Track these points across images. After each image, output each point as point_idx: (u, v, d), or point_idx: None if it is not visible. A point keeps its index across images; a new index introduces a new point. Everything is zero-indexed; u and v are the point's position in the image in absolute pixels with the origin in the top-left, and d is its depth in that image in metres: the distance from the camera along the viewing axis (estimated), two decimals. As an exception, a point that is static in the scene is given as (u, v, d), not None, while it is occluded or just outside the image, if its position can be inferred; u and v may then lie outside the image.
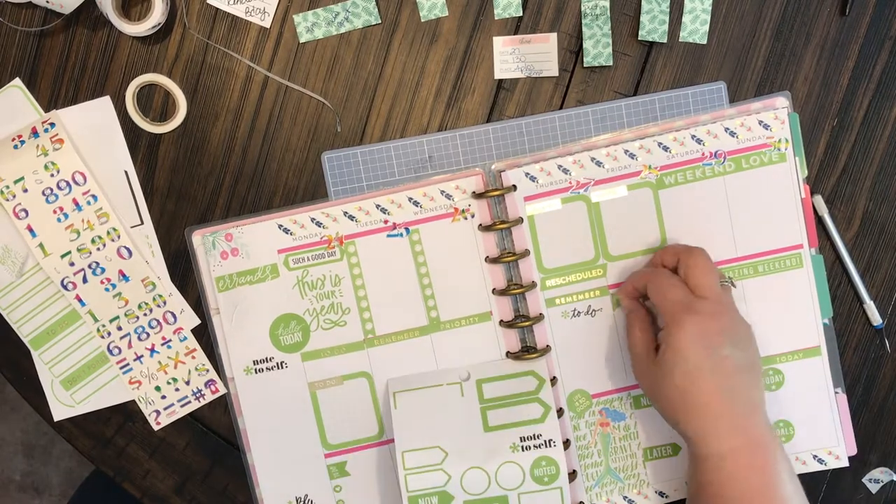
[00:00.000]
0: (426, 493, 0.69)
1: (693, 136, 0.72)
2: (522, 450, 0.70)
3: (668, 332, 0.65)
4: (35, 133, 0.73)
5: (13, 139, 0.73)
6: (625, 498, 0.76)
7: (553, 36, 0.74)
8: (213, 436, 0.77)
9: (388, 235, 0.73)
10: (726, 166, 0.73)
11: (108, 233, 0.74)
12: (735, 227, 0.73)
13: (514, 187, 0.72)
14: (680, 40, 0.74)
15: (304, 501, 0.76)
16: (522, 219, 0.73)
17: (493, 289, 0.73)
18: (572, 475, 0.74)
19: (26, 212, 0.73)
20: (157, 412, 0.76)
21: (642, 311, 0.70)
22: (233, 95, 0.75)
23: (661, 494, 0.76)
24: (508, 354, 0.74)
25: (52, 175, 0.73)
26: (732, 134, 0.72)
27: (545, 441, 0.70)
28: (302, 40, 0.74)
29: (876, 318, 0.76)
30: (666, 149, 0.72)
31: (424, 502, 0.69)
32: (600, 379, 0.75)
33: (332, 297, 0.74)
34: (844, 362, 0.76)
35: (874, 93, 0.74)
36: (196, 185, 0.75)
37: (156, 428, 0.77)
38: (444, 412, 0.72)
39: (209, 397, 0.76)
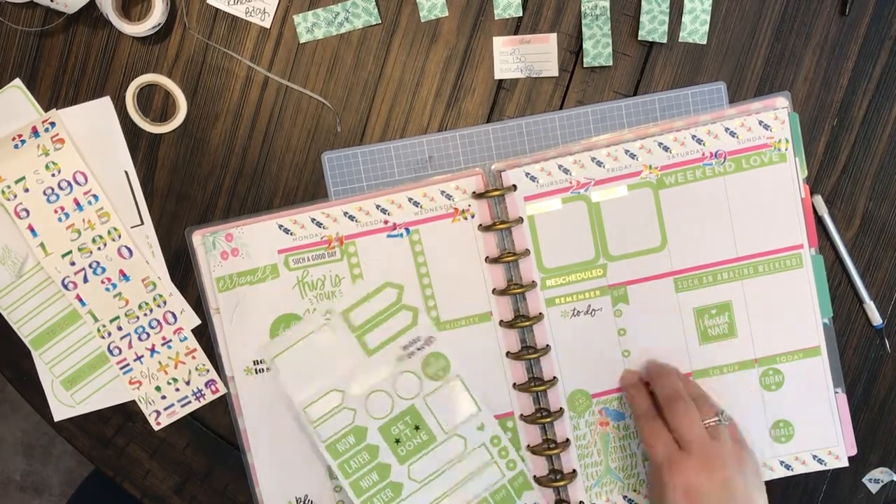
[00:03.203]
0: (341, 436, 0.72)
1: (693, 137, 0.72)
2: (409, 356, 0.72)
3: (652, 483, 0.68)
4: (35, 132, 0.73)
5: (13, 138, 0.73)
6: (624, 497, 0.76)
7: (553, 36, 0.74)
8: (213, 436, 0.77)
9: (389, 235, 0.73)
10: (727, 166, 0.73)
11: (109, 232, 0.74)
12: (735, 228, 0.73)
13: (514, 187, 0.72)
14: (680, 40, 0.74)
15: (304, 502, 0.76)
16: (522, 219, 0.73)
17: (493, 289, 0.73)
18: (572, 475, 0.74)
19: (27, 211, 0.73)
20: (158, 412, 0.76)
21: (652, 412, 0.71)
22: (233, 96, 0.75)
23: (662, 494, 0.76)
24: (509, 355, 0.74)
25: (53, 175, 0.73)
26: (733, 134, 0.72)
27: (424, 340, 0.73)
28: (302, 40, 0.74)
29: (876, 318, 0.76)
30: (666, 149, 0.72)
31: (343, 445, 0.72)
32: (600, 379, 0.75)
33: (332, 298, 0.74)
34: (844, 362, 0.76)
35: (874, 93, 0.74)
36: (196, 185, 0.75)
37: (156, 428, 0.77)
38: (324, 356, 0.73)
39: (209, 397, 0.76)
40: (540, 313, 0.74)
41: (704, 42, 0.74)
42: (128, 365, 0.75)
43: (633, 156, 0.73)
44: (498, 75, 0.74)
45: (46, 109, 0.75)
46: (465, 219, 0.73)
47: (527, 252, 0.73)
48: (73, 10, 0.72)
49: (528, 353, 0.74)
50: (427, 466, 0.73)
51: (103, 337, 0.75)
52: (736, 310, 0.74)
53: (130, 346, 0.75)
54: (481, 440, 0.73)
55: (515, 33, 0.74)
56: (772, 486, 0.77)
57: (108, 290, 0.74)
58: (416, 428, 0.72)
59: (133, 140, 0.75)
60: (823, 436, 0.75)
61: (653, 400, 0.71)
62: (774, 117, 0.73)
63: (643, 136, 0.73)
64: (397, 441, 0.72)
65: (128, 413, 0.77)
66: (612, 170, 0.73)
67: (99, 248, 0.74)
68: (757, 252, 0.74)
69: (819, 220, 0.75)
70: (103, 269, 0.74)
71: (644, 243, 0.73)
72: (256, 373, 0.75)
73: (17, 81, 0.75)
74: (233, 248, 0.73)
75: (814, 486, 0.77)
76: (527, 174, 0.72)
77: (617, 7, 0.73)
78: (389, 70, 0.74)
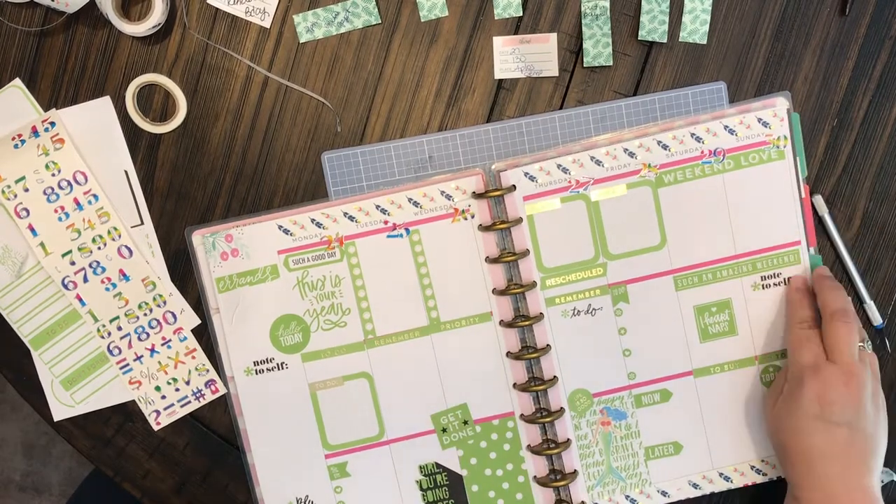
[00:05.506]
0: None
1: (692, 134, 0.72)
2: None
3: (790, 386, 0.68)
4: (35, 132, 0.73)
5: (13, 138, 0.73)
6: (627, 497, 0.76)
7: (553, 36, 0.74)
8: (213, 436, 0.77)
9: (388, 236, 0.73)
10: (725, 164, 0.73)
11: (109, 232, 0.74)
12: (734, 225, 0.73)
13: (514, 187, 0.72)
14: (680, 40, 0.74)
15: (305, 502, 0.76)
16: (522, 218, 0.73)
17: (493, 289, 0.73)
18: (573, 475, 0.74)
19: (27, 211, 0.73)
20: (157, 412, 0.76)
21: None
22: (233, 95, 0.75)
23: (664, 493, 0.76)
24: (509, 354, 0.74)
25: (53, 174, 0.73)
26: (731, 132, 0.72)
27: None
28: (302, 40, 0.74)
29: (876, 318, 0.76)
30: (665, 147, 0.72)
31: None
32: (601, 378, 0.75)
33: (332, 298, 0.74)
34: (845, 362, 0.76)
35: (874, 93, 0.74)
36: (196, 185, 0.75)
37: (156, 428, 0.77)
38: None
39: (209, 397, 0.76)
40: (540, 313, 0.74)
41: (704, 42, 0.74)
42: (127, 365, 0.75)
43: (631, 154, 0.73)
44: (498, 75, 0.74)
45: (46, 109, 0.75)
46: (465, 219, 0.73)
47: (527, 252, 0.73)
48: (73, 9, 0.72)
49: (529, 352, 0.74)
50: None
51: (103, 337, 0.75)
52: (736, 307, 0.74)
53: (130, 346, 0.75)
54: None
55: (515, 33, 0.74)
56: (772, 486, 0.77)
57: (107, 289, 0.74)
58: None
59: (133, 140, 0.75)
60: (824, 435, 0.75)
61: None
62: (773, 115, 0.73)
63: (643, 135, 0.73)
64: None
65: (127, 413, 0.77)
66: (611, 168, 0.73)
67: (99, 248, 0.74)
68: (756, 249, 0.74)
69: (819, 220, 0.75)
70: (103, 269, 0.74)
71: (643, 242, 0.73)
72: (256, 373, 0.75)
73: (17, 81, 0.75)
74: (233, 248, 0.73)
75: (814, 486, 0.77)
76: (526, 174, 0.72)
77: (617, 7, 0.73)
78: (389, 70, 0.74)
